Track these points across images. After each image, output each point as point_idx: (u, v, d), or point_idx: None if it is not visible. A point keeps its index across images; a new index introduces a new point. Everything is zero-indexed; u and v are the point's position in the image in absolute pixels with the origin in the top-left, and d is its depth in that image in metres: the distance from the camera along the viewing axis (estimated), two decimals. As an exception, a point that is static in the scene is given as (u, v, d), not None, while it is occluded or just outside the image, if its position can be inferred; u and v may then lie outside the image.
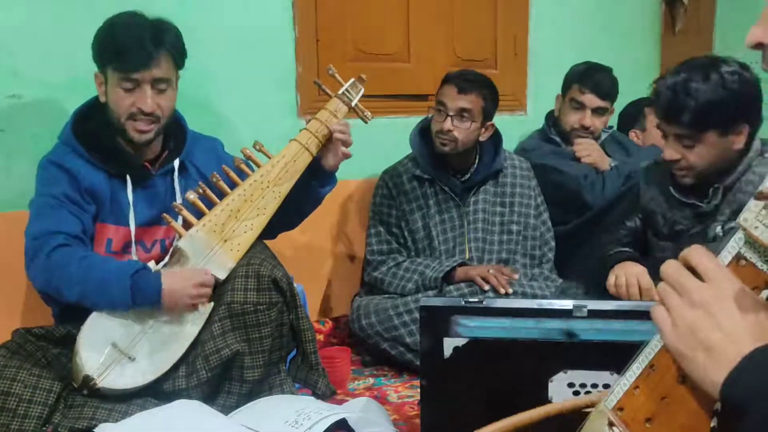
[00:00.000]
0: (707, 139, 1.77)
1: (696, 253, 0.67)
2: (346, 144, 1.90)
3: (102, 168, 1.76)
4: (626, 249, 2.03)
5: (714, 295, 0.64)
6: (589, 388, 1.39)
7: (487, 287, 2.16)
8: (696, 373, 0.63)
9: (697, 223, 1.92)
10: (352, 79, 1.94)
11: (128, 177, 1.78)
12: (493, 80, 2.35)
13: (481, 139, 2.33)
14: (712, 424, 0.64)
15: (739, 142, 1.79)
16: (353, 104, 1.93)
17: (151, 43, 1.68)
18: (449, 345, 1.40)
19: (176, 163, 1.85)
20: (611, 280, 1.91)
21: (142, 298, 1.63)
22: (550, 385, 1.36)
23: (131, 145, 1.78)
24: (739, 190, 1.85)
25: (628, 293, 1.86)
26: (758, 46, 0.68)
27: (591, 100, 2.59)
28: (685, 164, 1.82)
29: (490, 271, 2.20)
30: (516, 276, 2.24)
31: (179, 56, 1.76)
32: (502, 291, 2.16)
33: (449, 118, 2.23)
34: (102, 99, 1.76)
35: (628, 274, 1.89)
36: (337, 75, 1.92)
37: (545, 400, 1.35)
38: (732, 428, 0.61)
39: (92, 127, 1.77)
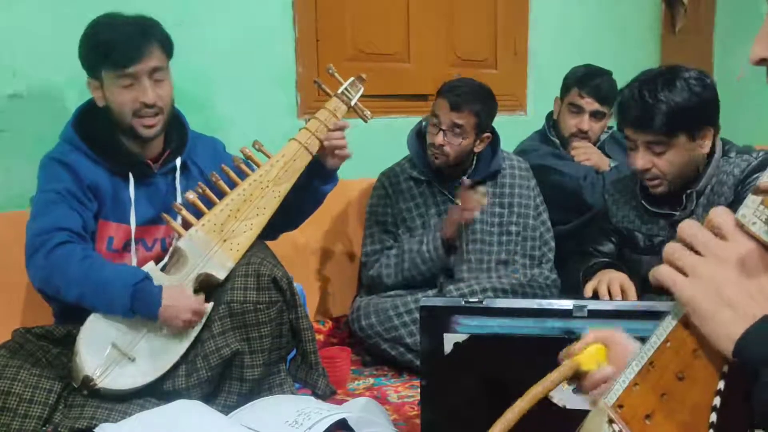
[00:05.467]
0: (678, 144, 1.79)
1: (720, 212, 0.66)
2: (340, 147, 1.89)
3: (104, 165, 1.76)
4: (606, 260, 2.01)
5: (738, 253, 0.64)
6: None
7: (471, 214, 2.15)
8: (715, 330, 0.63)
9: (675, 233, 1.91)
10: (352, 78, 1.93)
11: (131, 174, 1.78)
12: (492, 80, 2.34)
13: (476, 150, 2.30)
14: (711, 420, 0.64)
15: (705, 146, 1.82)
16: (353, 103, 1.93)
17: (140, 36, 1.69)
18: (449, 341, 1.40)
19: (178, 161, 1.85)
20: (591, 284, 1.85)
21: (141, 308, 1.63)
22: None
23: (134, 142, 1.78)
24: (713, 193, 1.86)
25: (611, 298, 1.83)
26: (762, 61, 0.70)
27: (589, 103, 2.57)
28: (656, 172, 1.83)
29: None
30: (485, 201, 2.19)
31: (168, 46, 1.76)
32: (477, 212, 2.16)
33: (441, 132, 2.21)
34: (100, 104, 1.75)
35: (611, 279, 1.85)
36: (336, 74, 1.92)
37: (545, 397, 1.35)
38: (738, 397, 0.61)
39: (94, 126, 1.77)
